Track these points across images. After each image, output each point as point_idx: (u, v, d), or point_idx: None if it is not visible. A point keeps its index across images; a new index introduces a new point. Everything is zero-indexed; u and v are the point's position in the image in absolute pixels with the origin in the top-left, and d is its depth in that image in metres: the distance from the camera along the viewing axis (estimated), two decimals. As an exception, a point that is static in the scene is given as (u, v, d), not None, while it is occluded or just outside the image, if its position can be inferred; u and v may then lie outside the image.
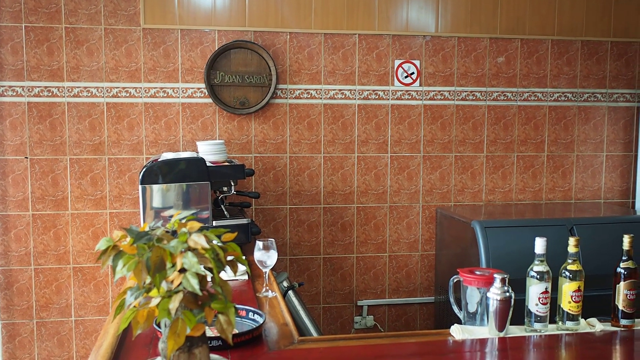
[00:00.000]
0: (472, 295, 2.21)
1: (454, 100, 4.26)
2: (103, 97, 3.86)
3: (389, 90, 4.16)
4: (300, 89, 4.06)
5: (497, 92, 4.31)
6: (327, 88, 4.08)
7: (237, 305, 2.13)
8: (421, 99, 4.21)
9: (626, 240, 2.16)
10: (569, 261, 2.14)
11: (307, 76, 4.06)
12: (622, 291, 2.15)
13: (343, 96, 4.11)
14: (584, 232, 3.70)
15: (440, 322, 4.20)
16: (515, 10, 4.27)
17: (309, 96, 4.07)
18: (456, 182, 4.32)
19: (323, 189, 4.15)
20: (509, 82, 4.33)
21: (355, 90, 4.12)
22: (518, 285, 2.17)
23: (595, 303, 2.37)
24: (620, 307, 2.16)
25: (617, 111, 4.54)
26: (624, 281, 2.15)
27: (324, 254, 4.20)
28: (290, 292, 3.19)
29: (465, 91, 4.27)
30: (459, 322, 2.22)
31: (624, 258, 2.16)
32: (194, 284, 1.46)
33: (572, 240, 2.14)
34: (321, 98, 4.08)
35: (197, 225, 1.57)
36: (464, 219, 3.81)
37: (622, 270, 2.16)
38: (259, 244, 2.51)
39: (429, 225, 4.30)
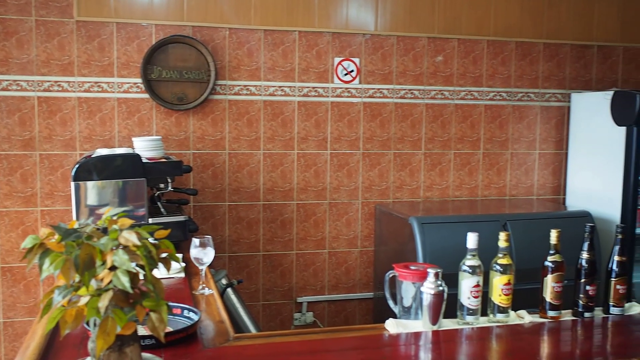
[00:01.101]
0: (407, 290, 2.24)
1: (392, 98, 4.31)
2: (34, 90, 3.75)
3: (328, 88, 4.18)
4: (240, 85, 4.03)
5: (434, 90, 4.39)
6: (266, 84, 4.07)
7: (171, 303, 2.11)
8: (361, 97, 4.24)
9: (553, 235, 2.23)
10: (500, 255, 2.19)
11: (247, 72, 4.04)
12: (550, 284, 2.22)
13: (283, 93, 4.10)
14: (517, 227, 3.80)
15: (379, 318, 4.24)
16: (452, 10, 4.35)
17: (249, 92, 4.05)
18: (395, 179, 4.37)
19: (263, 186, 4.14)
20: (447, 81, 4.41)
21: (295, 87, 4.12)
22: (454, 279, 2.22)
23: (528, 295, 2.43)
24: (548, 299, 2.23)
25: (549, 110, 4.68)
26: (552, 274, 2.22)
27: (264, 251, 4.19)
28: (229, 289, 3.16)
29: (404, 89, 4.32)
30: (396, 316, 2.25)
31: (551, 252, 2.23)
32: (125, 281, 1.43)
33: (502, 235, 2.19)
34: (261, 94, 4.07)
35: (128, 222, 1.54)
36: (402, 215, 3.86)
37: (550, 264, 2.23)
38: (196, 241, 2.48)
39: (368, 221, 4.34)
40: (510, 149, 4.61)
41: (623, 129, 4.14)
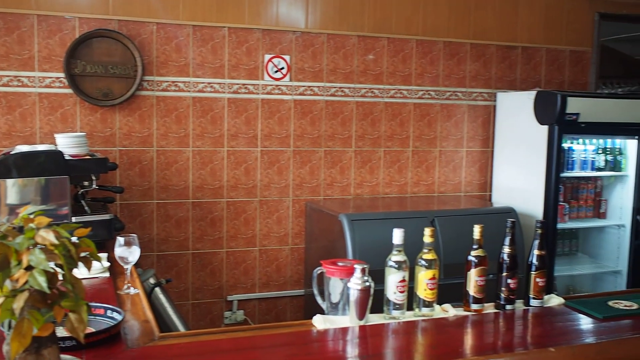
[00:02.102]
0: (335, 286, 2.26)
1: (323, 95, 4.32)
2: (-50, 85, 3.58)
3: (259, 85, 4.16)
4: (168, 81, 3.96)
5: (365, 88, 4.43)
6: (195, 81, 4.02)
7: (94, 304, 2.06)
8: (291, 94, 4.24)
9: (476, 230, 2.28)
10: (425, 250, 2.23)
11: (175, 68, 3.97)
12: (473, 278, 2.27)
13: (212, 89, 4.06)
14: (445, 223, 3.88)
15: (310, 314, 4.20)
16: (381, 9, 4.40)
17: (177, 89, 3.98)
18: (325, 177, 4.39)
19: (192, 184, 4.08)
20: (377, 79, 4.45)
21: (224, 83, 4.08)
22: (383, 275, 2.24)
23: (456, 290, 2.48)
24: (472, 292, 2.28)
25: (476, 109, 4.79)
26: (475, 268, 2.27)
27: (193, 250, 4.14)
28: (157, 289, 3.11)
29: (335, 87, 4.35)
30: (325, 313, 2.26)
31: (474, 247, 2.28)
32: (42, 282, 1.39)
33: (427, 231, 2.23)
34: (190, 91, 4.01)
35: (45, 220, 1.49)
36: (332, 212, 3.88)
37: (473, 259, 2.28)
38: (120, 239, 2.43)
39: (299, 219, 4.35)
40: (438, 147, 4.70)
41: (546, 128, 4.28)
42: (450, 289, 2.50)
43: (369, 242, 3.60)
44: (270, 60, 4.16)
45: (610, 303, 2.39)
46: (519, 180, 4.58)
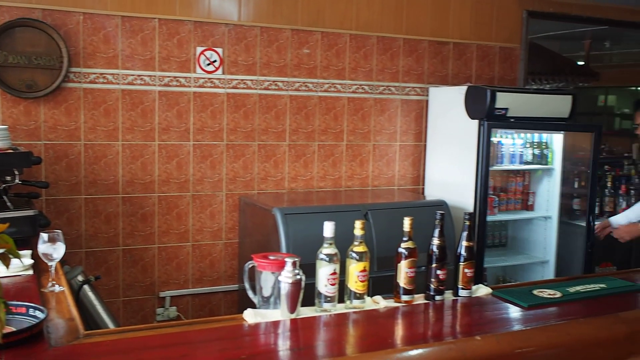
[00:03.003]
0: (267, 280, 2.24)
1: (257, 89, 4.29)
2: None
3: (191, 78, 4.09)
4: (96, 73, 3.85)
5: (299, 82, 4.42)
6: (125, 73, 3.92)
7: (14, 302, 1.98)
8: (224, 87, 4.19)
9: (406, 222, 2.30)
10: (356, 243, 2.23)
11: (104, 60, 3.87)
12: (403, 269, 2.29)
13: (142, 82, 3.97)
14: (378, 216, 3.91)
15: (244, 309, 4.21)
16: (315, 3, 4.39)
17: (106, 81, 3.88)
18: (259, 170, 4.36)
19: (122, 178, 3.98)
20: (310, 73, 4.45)
21: (155, 76, 4.00)
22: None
23: (390, 282, 2.49)
24: (402, 284, 2.30)
25: (409, 104, 4.85)
26: (405, 260, 2.29)
27: (124, 246, 4.04)
28: (85, 286, 3.04)
29: (268, 81, 4.32)
30: (256, 307, 2.24)
31: (404, 239, 2.30)
32: (-47, 279, 1.32)
33: (357, 224, 2.23)
34: (119, 83, 3.91)
35: (-43, 214, 1.42)
36: (265, 206, 3.86)
37: (403, 251, 2.30)
38: (44, 236, 2.34)
39: (233, 213, 4.30)
40: (372, 141, 4.73)
41: (476, 122, 4.37)
42: (383, 281, 2.52)
43: (303, 236, 3.60)
44: (202, 52, 4.10)
45: (535, 292, 2.46)
46: (450, 173, 4.66)
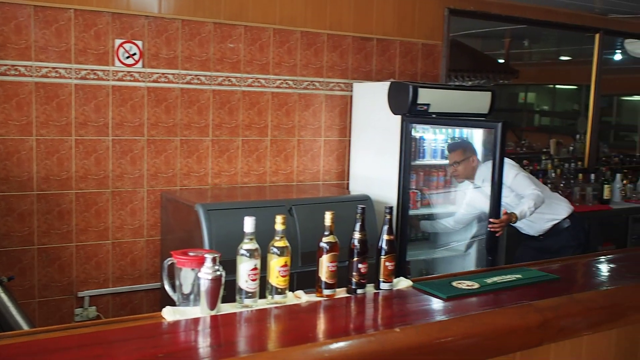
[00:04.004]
0: (187, 277, 2.20)
1: (178, 83, 4.21)
2: None
3: (109, 71, 3.97)
4: (7, 65, 3.69)
5: (222, 77, 4.36)
6: (39, 65, 3.77)
7: None
8: (144, 81, 4.09)
9: (327, 216, 2.30)
10: (277, 238, 2.22)
11: (15, 51, 3.70)
12: (325, 264, 2.29)
13: (58, 75, 3.82)
14: (302, 211, 3.91)
15: (168, 308, 4.14)
16: (238, -4, 4.35)
17: (18, 73, 3.72)
18: (182, 166, 4.28)
19: (36, 175, 3.83)
20: (234, 68, 4.40)
21: (71, 69, 3.86)
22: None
23: (314, 277, 2.49)
24: (324, 278, 2.30)
25: (334, 99, 4.87)
26: (326, 254, 2.29)
27: (39, 244, 3.89)
28: (-3, 287, 2.91)
29: (190, 75, 4.24)
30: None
31: (325, 233, 2.30)
32: None
33: (278, 218, 2.22)
34: (32, 76, 3.76)
35: None
36: (188, 202, 3.79)
37: (325, 245, 2.30)
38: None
39: (154, 210, 4.21)
40: (297, 136, 4.72)
41: (399, 117, 4.42)
42: (308, 276, 2.51)
43: (227, 232, 3.55)
44: (121, 45, 3.98)
45: (454, 283, 2.50)
46: (374, 168, 4.70)
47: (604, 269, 3.10)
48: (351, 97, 4.92)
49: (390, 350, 1.90)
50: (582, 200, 5.68)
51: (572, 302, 2.38)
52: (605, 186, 5.86)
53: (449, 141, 4.78)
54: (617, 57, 7.95)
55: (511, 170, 4.23)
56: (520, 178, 4.24)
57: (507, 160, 4.20)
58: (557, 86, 11.08)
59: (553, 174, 5.98)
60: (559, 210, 4.35)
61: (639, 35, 6.89)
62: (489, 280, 2.56)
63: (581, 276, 2.94)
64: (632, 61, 7.75)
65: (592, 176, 6.06)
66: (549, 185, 5.53)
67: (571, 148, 7.28)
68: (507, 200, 4.23)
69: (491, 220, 4.05)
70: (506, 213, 4.07)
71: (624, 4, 5.73)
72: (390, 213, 2.43)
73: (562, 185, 5.85)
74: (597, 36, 6.46)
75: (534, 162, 6.31)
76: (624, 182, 6.28)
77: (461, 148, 4.47)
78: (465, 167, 4.41)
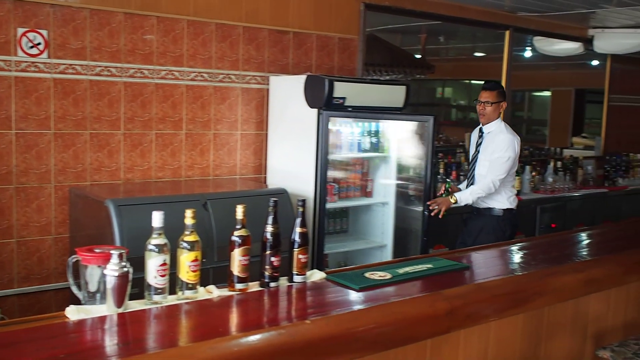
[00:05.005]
0: (92, 275, 2.15)
1: (87, 75, 4.06)
2: None
3: (11, 61, 3.78)
4: None
5: (133, 68, 4.24)
6: None
7: None
8: (50, 72, 3.92)
9: (239, 210, 2.28)
10: (187, 233, 2.18)
11: None
12: (237, 257, 2.27)
13: (-45, 65, 3.62)
14: (218, 206, 3.86)
15: (78, 308, 4.00)
16: (150, -14, 4.23)
17: None
18: (92, 161, 4.13)
19: None
20: (146, 60, 4.28)
21: (-30, 58, 3.66)
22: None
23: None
24: (236, 272, 2.28)
25: (250, 92, 4.82)
26: (238, 248, 2.27)
27: (-64, 245, 3.69)
28: None
29: (100, 66, 4.10)
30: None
31: (237, 227, 2.28)
32: None
33: (188, 212, 2.18)
34: None
35: None
36: (98, 198, 3.67)
37: (237, 239, 2.27)
38: None
39: (63, 206, 4.05)
40: (212, 130, 4.65)
41: (315, 111, 4.43)
42: (225, 271, 2.46)
43: (139, 228, 3.42)
44: (24, 34, 3.80)
45: (367, 274, 2.53)
46: (292, 162, 4.70)
47: (512, 257, 3.22)
48: (268, 90, 4.89)
49: (300, 341, 1.90)
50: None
51: (479, 289, 2.45)
52: (515, 177, 6.05)
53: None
54: (528, 54, 8.24)
55: (508, 150, 4.31)
56: (502, 161, 4.32)
57: (512, 139, 4.35)
58: (473, 81, 11.39)
59: (466, 166, 6.14)
60: (502, 201, 4.45)
61: (547, 33, 7.16)
62: (401, 271, 2.61)
63: (489, 264, 3.03)
64: (541, 58, 8.04)
65: (503, 168, 6.25)
66: (462, 178, 5.68)
67: (485, 141, 7.51)
68: (480, 171, 4.42)
69: (429, 202, 4.39)
70: (442, 194, 4.38)
71: (532, 2, 5.94)
72: (303, 206, 2.43)
73: (474, 177, 6.00)
74: (507, 33, 6.68)
75: (448, 155, 6.47)
76: (533, 173, 6.53)
77: (497, 90, 4.47)
78: (494, 109, 4.43)
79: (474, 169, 4.46)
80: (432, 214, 4.36)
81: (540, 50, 7.71)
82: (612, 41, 7.34)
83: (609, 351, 2.83)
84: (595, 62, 8.40)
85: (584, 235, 3.79)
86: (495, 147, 4.34)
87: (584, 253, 3.40)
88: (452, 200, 4.31)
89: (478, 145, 4.47)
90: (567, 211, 6.47)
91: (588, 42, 7.46)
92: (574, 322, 3.01)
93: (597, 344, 3.02)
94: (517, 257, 3.18)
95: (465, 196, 4.34)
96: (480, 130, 4.51)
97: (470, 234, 4.47)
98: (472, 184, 4.46)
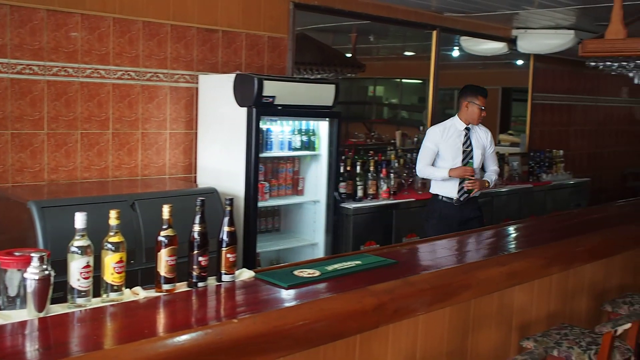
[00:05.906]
0: (12, 278, 2.09)
1: (8, 73, 3.93)
2: None
3: None
4: None
5: (57, 67, 4.13)
6: None
7: None
8: (-33, 70, 3.78)
9: (165, 210, 2.26)
10: (111, 234, 2.15)
11: None
12: (164, 258, 2.25)
13: None
14: (146, 206, 3.79)
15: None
16: (72, -17, 4.13)
17: None
18: (14, 162, 4.00)
19: None
20: (70, 57, 4.18)
21: None
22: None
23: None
24: (163, 273, 2.26)
25: (179, 91, 4.77)
26: (165, 248, 2.25)
27: None
28: None
29: (21, 64, 3.98)
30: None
31: (164, 227, 2.26)
32: None
33: (112, 213, 2.15)
34: None
35: None
36: (20, 200, 3.56)
37: (163, 239, 2.25)
38: None
39: (-18, 209, 3.91)
40: (140, 129, 4.58)
41: (245, 110, 4.42)
42: (153, 273, 2.44)
43: (64, 230, 3.32)
44: (-61, 30, 3.65)
45: (296, 272, 2.55)
46: (222, 161, 4.67)
47: (440, 252, 3.29)
48: (197, 89, 4.84)
49: (228, 341, 1.90)
50: (423, 188, 5.97)
51: (406, 284, 2.50)
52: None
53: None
54: (455, 53, 8.42)
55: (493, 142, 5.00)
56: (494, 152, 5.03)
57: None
58: (404, 80, 11.57)
59: (396, 164, 6.23)
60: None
61: (472, 33, 7.35)
62: (330, 268, 2.64)
63: (418, 260, 3.10)
64: (469, 57, 8.24)
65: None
66: (392, 174, 5.78)
67: (415, 139, 7.62)
68: (488, 163, 5.00)
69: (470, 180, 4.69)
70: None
71: (458, 3, 6.09)
72: (231, 205, 2.43)
73: (405, 174, 6.11)
74: (434, 33, 6.83)
75: (378, 152, 6.54)
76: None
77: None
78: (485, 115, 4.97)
79: (467, 161, 4.78)
80: (470, 190, 4.70)
81: (467, 50, 7.90)
82: (534, 41, 7.61)
83: (532, 341, 2.94)
84: (520, 62, 8.67)
85: (509, 230, 3.92)
86: (489, 142, 4.96)
87: (509, 247, 3.52)
88: (486, 185, 4.84)
89: (466, 141, 4.86)
90: (494, 207, 6.66)
91: (512, 42, 7.70)
92: (500, 314, 3.11)
93: (522, 335, 3.13)
94: (444, 252, 3.26)
95: (493, 179, 4.93)
96: (466, 129, 4.91)
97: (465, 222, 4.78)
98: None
